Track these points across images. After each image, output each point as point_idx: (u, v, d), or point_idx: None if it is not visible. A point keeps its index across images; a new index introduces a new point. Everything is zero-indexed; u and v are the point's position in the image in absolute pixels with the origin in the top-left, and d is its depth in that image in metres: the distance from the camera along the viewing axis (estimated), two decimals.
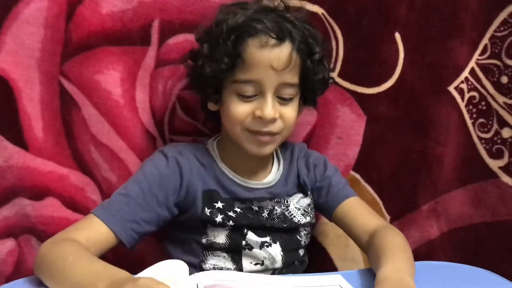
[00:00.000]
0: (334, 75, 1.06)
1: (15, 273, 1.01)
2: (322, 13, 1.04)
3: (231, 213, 0.90)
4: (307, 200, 0.97)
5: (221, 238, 0.90)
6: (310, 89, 0.92)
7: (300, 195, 0.98)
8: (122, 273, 0.71)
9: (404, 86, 1.03)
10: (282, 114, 0.88)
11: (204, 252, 0.91)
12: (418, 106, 1.04)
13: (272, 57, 0.84)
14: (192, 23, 0.98)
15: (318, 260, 1.06)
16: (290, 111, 0.89)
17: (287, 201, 0.96)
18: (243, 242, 0.90)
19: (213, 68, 0.86)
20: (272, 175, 0.97)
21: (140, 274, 0.73)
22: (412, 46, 1.05)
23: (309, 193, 0.98)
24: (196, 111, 1.03)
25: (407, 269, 0.78)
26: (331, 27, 1.05)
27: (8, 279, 0.99)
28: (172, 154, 0.91)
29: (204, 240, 0.90)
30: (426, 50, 1.00)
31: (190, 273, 0.76)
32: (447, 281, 0.84)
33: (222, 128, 0.96)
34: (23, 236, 1.02)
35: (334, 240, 1.10)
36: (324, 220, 1.06)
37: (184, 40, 1.00)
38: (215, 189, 0.91)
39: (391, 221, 1.09)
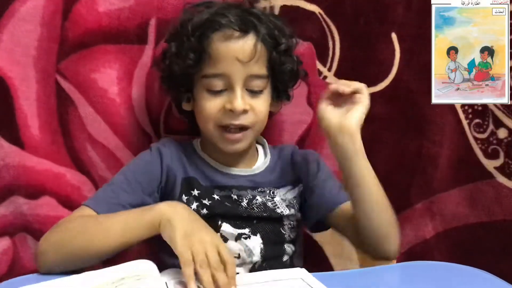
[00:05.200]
0: (331, 74, 1.06)
1: (9, 272, 1.01)
2: (319, 12, 1.05)
3: (205, 201, 0.91)
4: (293, 193, 0.97)
5: None
6: (280, 81, 0.94)
7: (289, 187, 0.97)
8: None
9: (400, 86, 1.03)
10: (253, 107, 0.89)
11: None
12: (413, 106, 1.04)
13: (237, 49, 0.86)
14: None
15: (313, 258, 1.06)
16: (261, 104, 0.90)
17: (273, 192, 0.95)
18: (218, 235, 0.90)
19: (180, 65, 0.89)
20: (257, 165, 0.98)
21: (106, 270, 0.75)
22: (408, 46, 1.05)
23: (300, 184, 0.98)
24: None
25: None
26: (328, 27, 1.05)
27: (1, 279, 0.99)
28: (155, 146, 0.95)
29: None
30: (422, 50, 1.00)
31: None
32: (443, 281, 0.84)
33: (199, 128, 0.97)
34: (18, 234, 1.02)
35: (329, 237, 1.10)
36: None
37: None
38: (194, 176, 0.93)
39: None
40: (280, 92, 0.96)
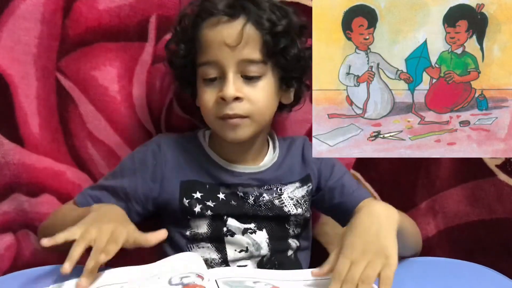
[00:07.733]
0: None
1: (12, 268, 1.01)
2: None
3: (209, 203, 0.90)
4: (302, 191, 0.95)
5: (202, 228, 0.91)
6: (282, 67, 0.88)
7: (297, 184, 0.96)
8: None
9: None
10: (248, 95, 0.85)
11: (188, 245, 0.91)
12: None
13: (224, 34, 0.84)
14: None
15: (316, 258, 1.06)
16: (257, 92, 0.86)
17: (280, 190, 0.94)
18: (224, 229, 0.90)
19: (177, 57, 0.90)
20: (264, 161, 0.96)
21: (156, 264, 0.77)
22: None
23: (310, 184, 0.97)
24: (193, 108, 1.03)
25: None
26: None
27: (4, 274, 0.99)
28: (151, 148, 0.93)
29: (188, 233, 0.91)
30: None
31: None
32: (445, 276, 0.84)
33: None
34: (21, 231, 1.02)
35: (334, 239, 1.10)
36: (323, 220, 1.06)
37: None
38: (194, 179, 0.92)
39: None
40: (288, 80, 0.90)
